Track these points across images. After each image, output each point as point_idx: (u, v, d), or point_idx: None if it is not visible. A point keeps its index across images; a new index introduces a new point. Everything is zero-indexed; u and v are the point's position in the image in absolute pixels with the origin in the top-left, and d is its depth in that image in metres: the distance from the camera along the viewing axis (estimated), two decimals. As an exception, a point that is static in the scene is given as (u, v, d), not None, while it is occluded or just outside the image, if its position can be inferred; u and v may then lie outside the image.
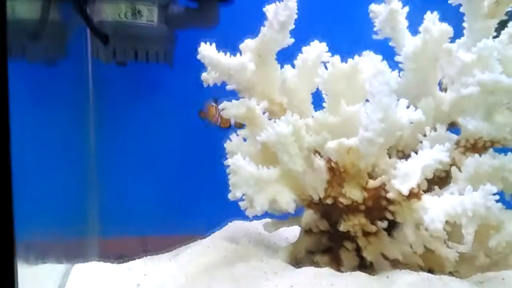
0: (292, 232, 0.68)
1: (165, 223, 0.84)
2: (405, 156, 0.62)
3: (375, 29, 0.66)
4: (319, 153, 0.60)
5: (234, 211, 0.62)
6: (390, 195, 0.52)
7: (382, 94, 0.50)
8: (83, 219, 0.81)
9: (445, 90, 0.66)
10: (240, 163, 0.55)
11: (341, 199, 0.54)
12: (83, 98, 0.80)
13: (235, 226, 0.71)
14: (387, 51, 0.66)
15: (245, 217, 0.61)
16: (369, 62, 0.61)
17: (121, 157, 0.83)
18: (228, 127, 0.73)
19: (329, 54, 0.64)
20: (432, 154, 0.53)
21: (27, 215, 0.51)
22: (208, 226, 0.80)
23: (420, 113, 0.56)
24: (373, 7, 0.68)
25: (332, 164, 0.54)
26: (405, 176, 0.52)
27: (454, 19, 0.65)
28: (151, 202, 0.84)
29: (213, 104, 0.72)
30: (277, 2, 0.61)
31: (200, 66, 0.80)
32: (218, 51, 0.61)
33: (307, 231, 0.63)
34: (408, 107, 0.56)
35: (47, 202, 0.71)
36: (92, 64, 0.79)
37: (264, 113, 0.60)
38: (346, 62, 0.59)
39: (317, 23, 0.70)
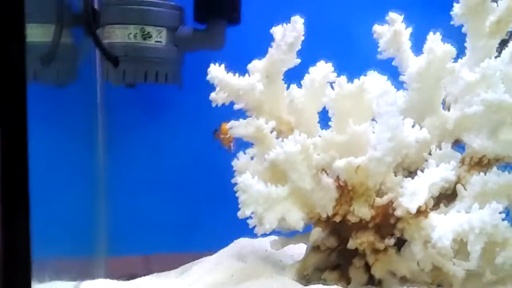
0: (298, 250, 0.68)
1: (173, 241, 0.85)
2: (411, 173, 0.64)
3: (379, 49, 0.68)
4: (326, 171, 0.61)
5: (241, 229, 0.62)
6: (398, 212, 0.53)
7: (389, 114, 0.51)
8: (91, 238, 0.82)
9: (448, 108, 0.68)
10: (249, 181, 0.56)
11: (350, 217, 0.55)
12: (92, 120, 0.81)
13: (241, 243, 0.71)
14: (390, 69, 0.68)
15: (252, 235, 0.61)
16: (374, 82, 0.62)
17: (129, 177, 0.83)
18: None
19: (335, 74, 0.65)
20: (439, 173, 0.54)
21: (40, 234, 0.52)
22: (215, 244, 0.80)
23: (425, 132, 0.57)
24: (377, 28, 0.69)
25: (341, 182, 0.55)
26: (412, 194, 0.53)
27: (456, 36, 0.67)
28: (159, 221, 0.84)
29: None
30: (285, 24, 0.62)
31: (209, 87, 0.82)
32: (227, 72, 0.63)
33: (314, 248, 0.63)
34: (413, 126, 0.57)
35: (57, 221, 0.71)
36: (102, 86, 0.80)
37: (272, 132, 0.61)
38: (352, 82, 0.61)
39: (322, 42, 0.72)
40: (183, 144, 0.85)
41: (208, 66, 0.82)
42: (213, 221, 0.85)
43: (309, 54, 0.64)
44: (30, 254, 0.50)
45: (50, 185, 0.74)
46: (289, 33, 0.60)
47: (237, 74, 0.61)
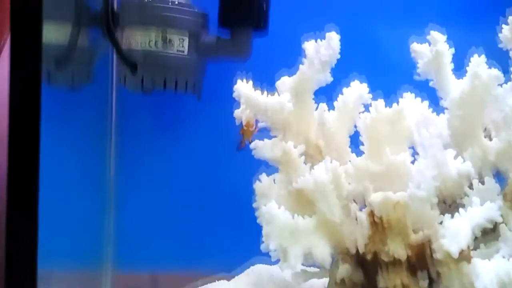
0: (318, 281, 0.64)
1: (182, 258, 0.81)
2: (447, 206, 0.59)
3: (418, 70, 0.63)
4: (355, 201, 0.56)
5: (255, 248, 0.58)
6: (438, 255, 0.48)
7: (435, 149, 0.46)
8: (98, 252, 0.78)
9: (489, 136, 0.63)
10: (275, 211, 0.51)
11: (383, 257, 0.51)
12: (105, 126, 0.76)
13: (259, 271, 0.67)
14: (425, 87, 0.63)
15: (267, 255, 0.57)
16: (413, 106, 0.57)
17: (140, 187, 0.79)
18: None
19: (370, 95, 0.61)
20: (483, 212, 0.50)
21: (47, 246, 0.48)
22: (227, 262, 0.76)
23: (469, 166, 0.53)
24: (415, 46, 0.64)
25: (375, 218, 0.51)
26: (454, 235, 0.48)
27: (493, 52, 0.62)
28: (169, 236, 0.80)
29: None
30: (318, 40, 0.58)
31: (228, 97, 0.77)
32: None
33: (337, 283, 0.59)
34: (455, 157, 0.53)
35: (64, 231, 0.68)
36: (117, 90, 0.76)
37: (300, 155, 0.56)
38: (385, 102, 0.56)
39: (352, 56, 0.66)
40: (198, 156, 0.80)
41: (228, 75, 0.79)
42: (226, 238, 0.81)
43: (338, 68, 0.60)
44: (36, 265, 0.48)
45: (60, 193, 0.71)
46: (324, 50, 0.56)
47: (265, 92, 0.57)
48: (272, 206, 0.51)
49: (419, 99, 0.61)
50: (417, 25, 0.65)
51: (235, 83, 0.79)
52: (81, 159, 0.75)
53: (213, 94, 0.76)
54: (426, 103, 0.58)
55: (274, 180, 0.60)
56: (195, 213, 0.81)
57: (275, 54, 0.77)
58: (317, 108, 0.61)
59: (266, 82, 0.76)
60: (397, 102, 0.59)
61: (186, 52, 0.69)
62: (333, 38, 0.56)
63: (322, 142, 0.59)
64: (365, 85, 0.60)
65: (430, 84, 0.64)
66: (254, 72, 0.75)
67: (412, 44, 0.65)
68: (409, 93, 0.62)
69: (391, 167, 0.53)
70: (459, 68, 0.61)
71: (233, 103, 0.74)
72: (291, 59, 0.75)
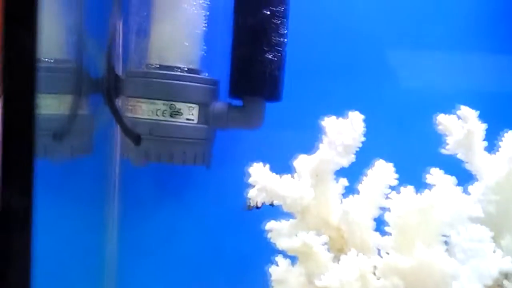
0: None
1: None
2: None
3: (447, 147, 0.58)
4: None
5: None
6: None
7: (479, 258, 0.41)
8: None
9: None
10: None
11: None
12: (106, 199, 0.71)
13: None
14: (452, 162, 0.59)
15: None
16: (445, 192, 0.52)
17: (141, 264, 0.74)
18: None
19: (396, 175, 0.56)
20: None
21: None
22: None
23: (509, 262, 0.48)
24: (442, 119, 0.60)
25: (409, 325, 0.45)
26: None
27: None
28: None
29: None
30: (340, 119, 0.53)
31: (238, 165, 0.72)
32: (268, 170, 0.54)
33: None
34: (494, 251, 0.48)
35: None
36: (118, 160, 0.71)
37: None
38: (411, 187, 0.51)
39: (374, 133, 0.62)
40: (204, 229, 0.75)
41: (236, 138, 0.74)
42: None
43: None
44: None
45: (57, 269, 0.66)
46: (347, 132, 0.51)
47: (284, 177, 0.52)
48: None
49: (448, 178, 0.57)
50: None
51: (243, 147, 0.76)
52: (79, 232, 0.70)
53: (219, 158, 0.71)
54: (460, 189, 0.53)
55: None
56: (201, 285, 0.76)
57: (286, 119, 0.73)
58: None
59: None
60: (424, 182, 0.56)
61: (195, 121, 0.64)
62: (357, 119, 0.52)
63: (344, 226, 0.54)
64: (390, 165, 0.55)
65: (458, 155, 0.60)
66: (264, 137, 0.72)
67: (439, 116, 0.60)
68: (437, 169, 0.58)
69: (423, 263, 0.48)
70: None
71: (241, 168, 0.69)
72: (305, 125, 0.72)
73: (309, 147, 0.57)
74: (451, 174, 0.57)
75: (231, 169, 0.73)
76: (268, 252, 0.56)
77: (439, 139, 0.60)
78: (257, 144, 0.73)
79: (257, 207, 0.58)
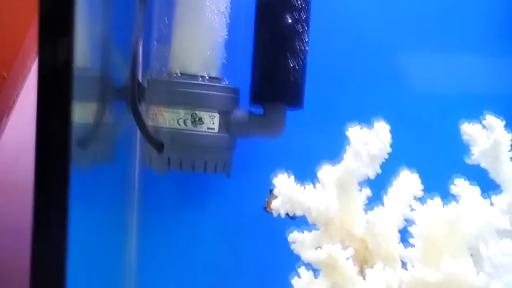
0: None
1: None
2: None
3: (472, 157, 0.57)
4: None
5: None
6: None
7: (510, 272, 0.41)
8: None
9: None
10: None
11: None
12: (126, 206, 0.72)
13: None
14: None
15: None
16: (472, 204, 0.52)
17: (162, 268, 0.74)
18: None
19: (421, 187, 0.55)
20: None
21: None
22: None
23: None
24: (466, 128, 0.59)
25: None
26: None
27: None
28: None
29: None
30: (365, 129, 0.53)
31: (259, 171, 0.72)
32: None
33: None
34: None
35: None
36: (139, 169, 0.71)
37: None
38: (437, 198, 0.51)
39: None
40: (224, 236, 0.75)
41: (256, 146, 0.74)
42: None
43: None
44: None
45: (83, 274, 0.66)
46: (373, 143, 0.51)
47: (308, 188, 0.52)
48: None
49: (473, 188, 0.56)
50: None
51: (263, 154, 0.75)
52: (99, 239, 0.70)
53: (239, 165, 0.71)
54: (487, 202, 0.52)
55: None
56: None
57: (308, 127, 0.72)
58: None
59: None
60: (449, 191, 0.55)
61: (216, 130, 0.64)
62: (383, 129, 0.51)
63: (369, 238, 0.54)
64: (416, 176, 0.55)
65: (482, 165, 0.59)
66: (285, 145, 0.72)
67: (463, 125, 0.60)
68: (462, 180, 0.58)
69: (451, 277, 0.47)
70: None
71: (261, 175, 0.70)
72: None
73: (329, 154, 0.56)
74: (472, 178, 0.56)
75: (251, 175, 0.73)
76: (289, 259, 0.56)
77: (461, 145, 0.59)
78: (277, 151, 0.73)
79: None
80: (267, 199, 0.67)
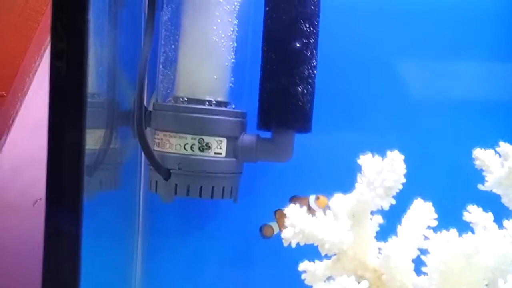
0: None
1: None
2: None
3: (486, 184, 0.56)
4: None
5: None
6: None
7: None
8: None
9: None
10: None
11: None
12: (131, 232, 0.70)
13: None
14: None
15: None
16: (489, 235, 0.51)
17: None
18: None
19: (436, 215, 0.54)
20: None
21: None
22: None
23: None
24: (478, 153, 0.58)
25: None
26: None
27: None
28: None
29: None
30: (378, 158, 0.52)
31: (264, 194, 0.71)
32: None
33: None
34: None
35: None
36: (144, 194, 0.70)
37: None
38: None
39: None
40: (230, 261, 0.73)
41: (261, 168, 0.73)
42: None
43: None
44: None
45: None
46: (387, 173, 0.50)
47: (321, 219, 0.51)
48: None
49: (487, 215, 0.56)
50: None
51: (269, 178, 0.74)
52: (104, 265, 0.69)
53: (245, 190, 0.70)
54: (503, 233, 0.51)
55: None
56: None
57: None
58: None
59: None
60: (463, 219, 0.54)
61: (224, 155, 0.63)
62: (397, 160, 0.50)
63: (384, 270, 0.53)
64: (430, 204, 0.54)
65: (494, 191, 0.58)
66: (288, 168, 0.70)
67: (476, 150, 0.59)
68: (475, 207, 0.57)
69: (469, 312, 0.46)
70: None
71: (266, 198, 0.69)
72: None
73: (336, 179, 0.56)
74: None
75: (257, 200, 0.72)
76: (296, 285, 0.55)
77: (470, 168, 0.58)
78: (283, 175, 0.72)
79: (263, 237, 0.57)
80: (264, 226, 0.67)
